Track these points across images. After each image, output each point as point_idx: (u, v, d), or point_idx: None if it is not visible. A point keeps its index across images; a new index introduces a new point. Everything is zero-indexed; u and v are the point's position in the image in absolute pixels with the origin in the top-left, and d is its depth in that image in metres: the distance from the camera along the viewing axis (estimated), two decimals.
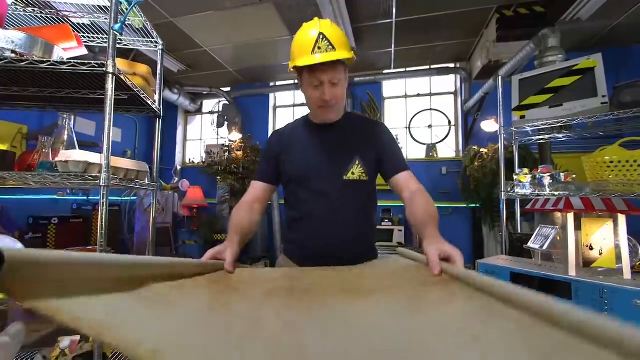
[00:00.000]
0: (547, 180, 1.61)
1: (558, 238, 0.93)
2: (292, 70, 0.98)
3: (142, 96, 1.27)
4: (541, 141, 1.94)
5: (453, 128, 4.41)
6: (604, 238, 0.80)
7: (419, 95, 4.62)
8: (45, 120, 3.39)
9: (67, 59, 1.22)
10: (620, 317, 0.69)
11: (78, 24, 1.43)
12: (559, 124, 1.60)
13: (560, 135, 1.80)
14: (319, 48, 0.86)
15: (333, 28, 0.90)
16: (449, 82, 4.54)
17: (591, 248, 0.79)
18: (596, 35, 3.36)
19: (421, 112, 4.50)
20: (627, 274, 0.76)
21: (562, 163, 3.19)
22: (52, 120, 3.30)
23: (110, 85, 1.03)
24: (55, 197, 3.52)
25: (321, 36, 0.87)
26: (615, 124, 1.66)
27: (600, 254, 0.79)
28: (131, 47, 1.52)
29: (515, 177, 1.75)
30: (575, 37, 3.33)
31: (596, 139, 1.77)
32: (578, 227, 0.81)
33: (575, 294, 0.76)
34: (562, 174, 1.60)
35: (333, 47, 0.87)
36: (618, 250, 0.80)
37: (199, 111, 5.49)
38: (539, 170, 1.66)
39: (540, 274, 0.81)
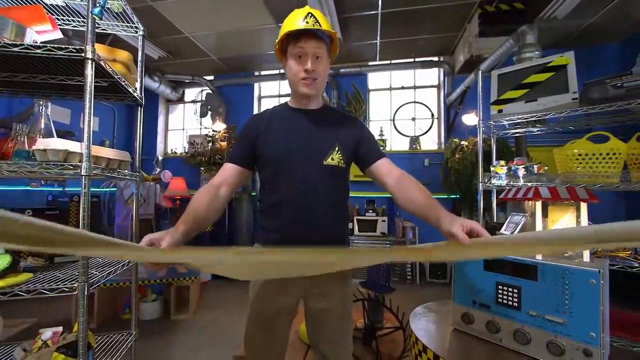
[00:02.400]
0: (521, 171, 1.70)
1: (527, 225, 1.00)
2: (277, 51, 1.01)
3: (123, 83, 1.23)
4: (517, 134, 2.03)
5: (435, 121, 4.51)
6: (568, 224, 0.87)
7: (403, 87, 4.67)
8: (15, 107, 3.21)
9: (41, 42, 1.17)
10: (578, 294, 0.76)
11: (51, 5, 1.36)
12: (533, 118, 1.68)
13: (535, 129, 1.89)
14: (307, 22, 0.92)
15: (321, 15, 0.96)
16: (432, 76, 4.62)
17: None
18: (571, 33, 3.50)
19: (405, 105, 4.57)
20: (586, 257, 0.83)
21: (536, 155, 3.34)
22: (22, 107, 3.13)
23: (89, 71, 0.99)
24: (29, 188, 3.37)
25: (310, 14, 0.93)
26: (585, 119, 1.76)
27: None
28: (109, 32, 1.46)
29: (492, 168, 1.83)
30: (551, 35, 3.46)
31: (567, 133, 1.87)
32: (545, 214, 0.88)
33: (541, 275, 0.83)
34: (535, 166, 1.69)
35: (319, 25, 0.93)
36: None
37: (180, 100, 5.34)
38: (514, 163, 1.75)
39: (511, 258, 0.87)
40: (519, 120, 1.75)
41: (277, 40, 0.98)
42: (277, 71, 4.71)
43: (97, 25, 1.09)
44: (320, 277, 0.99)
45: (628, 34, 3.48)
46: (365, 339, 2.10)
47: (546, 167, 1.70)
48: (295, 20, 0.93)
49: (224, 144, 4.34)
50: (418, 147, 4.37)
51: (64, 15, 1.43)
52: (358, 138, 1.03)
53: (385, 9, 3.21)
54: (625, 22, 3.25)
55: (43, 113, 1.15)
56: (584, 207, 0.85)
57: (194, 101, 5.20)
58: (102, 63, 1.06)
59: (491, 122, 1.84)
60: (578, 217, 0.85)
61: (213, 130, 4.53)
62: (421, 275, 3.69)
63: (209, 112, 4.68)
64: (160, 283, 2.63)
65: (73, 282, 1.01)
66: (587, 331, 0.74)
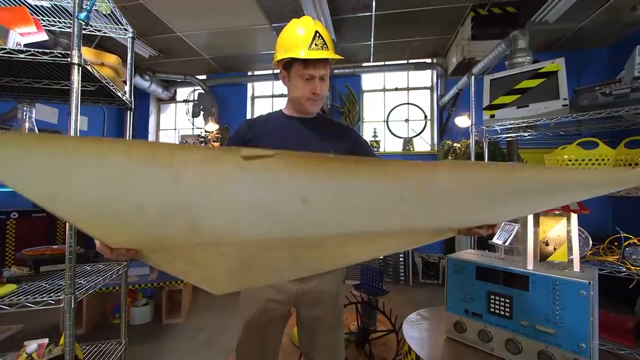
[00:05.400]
0: None
1: (519, 234, 1.01)
2: (276, 63, 1.00)
3: (111, 88, 1.20)
4: (509, 139, 2.06)
5: (429, 122, 4.54)
6: (558, 234, 0.87)
7: (396, 89, 4.69)
8: (0, 107, 3.11)
9: (25, 45, 1.13)
10: (568, 304, 0.77)
11: (36, 6, 1.32)
12: (524, 124, 1.70)
13: (526, 134, 1.91)
14: (316, 45, 0.92)
15: (325, 29, 0.96)
16: (425, 77, 4.64)
17: (547, 244, 0.87)
18: (562, 37, 3.55)
19: (399, 106, 4.58)
20: (576, 267, 0.84)
21: (528, 158, 3.39)
22: (7, 106, 3.04)
23: (75, 77, 0.96)
24: None
25: (317, 34, 0.92)
26: (575, 125, 1.78)
27: (555, 249, 0.86)
28: (97, 34, 1.42)
29: None
30: (542, 38, 3.51)
31: (558, 136, 1.90)
32: (537, 224, 0.89)
33: (532, 286, 0.83)
34: None
35: (327, 47, 0.94)
36: (570, 244, 0.88)
37: (172, 99, 5.26)
38: None
39: (502, 267, 0.88)
40: (510, 126, 1.76)
41: (280, 57, 0.95)
42: (270, 71, 4.67)
43: (84, 27, 1.06)
44: (311, 284, 0.98)
45: (616, 38, 3.55)
46: (359, 342, 2.10)
47: None
48: (303, 40, 0.91)
49: (216, 144, 4.30)
50: (411, 149, 4.39)
51: (49, 16, 1.39)
52: (352, 145, 1.05)
53: (379, 11, 3.21)
54: (614, 27, 3.32)
55: (27, 118, 1.12)
56: (574, 217, 0.86)
57: (186, 101, 5.14)
58: (89, 68, 1.03)
59: (484, 127, 1.85)
60: (569, 226, 0.86)
61: (205, 131, 4.48)
62: (414, 276, 3.72)
63: (202, 112, 4.62)
64: (151, 287, 2.59)
65: (59, 293, 0.98)
66: (577, 342, 0.75)
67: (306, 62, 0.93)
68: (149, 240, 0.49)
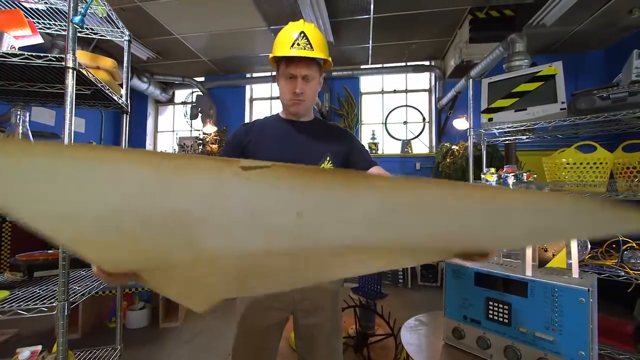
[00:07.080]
0: (511, 179, 1.71)
1: None
2: (270, 62, 1.01)
3: (106, 91, 1.19)
4: (507, 142, 2.06)
5: (427, 125, 4.54)
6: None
7: (395, 91, 4.69)
8: None
9: (20, 48, 1.12)
10: (567, 311, 0.76)
11: (31, 9, 1.31)
12: (522, 127, 1.70)
13: (524, 137, 1.91)
14: (298, 44, 0.92)
15: (315, 31, 0.95)
16: (423, 80, 4.65)
17: (545, 250, 0.87)
18: (559, 39, 3.56)
19: (397, 108, 4.59)
20: (575, 273, 0.83)
21: (526, 160, 3.40)
22: (3, 109, 3.02)
23: (70, 81, 0.95)
24: None
25: (302, 34, 0.92)
26: (573, 128, 1.78)
27: (553, 255, 0.86)
28: (93, 37, 1.41)
29: (482, 176, 1.84)
30: (540, 41, 3.52)
31: (556, 140, 1.90)
32: None
33: (530, 292, 0.82)
34: (524, 174, 1.70)
35: (311, 47, 0.93)
36: (568, 249, 0.88)
37: (170, 101, 5.25)
38: (504, 171, 1.76)
39: (501, 273, 0.87)
40: (508, 129, 1.76)
41: (270, 56, 0.98)
42: (269, 73, 4.67)
43: (80, 30, 1.05)
44: (309, 289, 0.97)
45: (613, 41, 3.56)
46: (357, 347, 2.09)
47: (535, 175, 1.72)
48: (288, 40, 0.92)
49: (214, 146, 4.28)
50: (410, 151, 4.39)
51: (45, 19, 1.38)
52: (348, 148, 1.05)
53: (377, 14, 3.22)
54: (611, 30, 3.33)
55: (20, 122, 1.10)
56: None
57: (184, 103, 5.13)
58: (83, 71, 1.02)
59: (482, 130, 1.85)
60: None
61: (204, 133, 4.47)
62: (412, 279, 3.71)
63: (200, 114, 4.61)
64: (148, 290, 2.57)
65: (52, 300, 0.96)
66: (577, 349, 0.74)
67: (288, 61, 0.93)
68: (147, 257, 0.48)
